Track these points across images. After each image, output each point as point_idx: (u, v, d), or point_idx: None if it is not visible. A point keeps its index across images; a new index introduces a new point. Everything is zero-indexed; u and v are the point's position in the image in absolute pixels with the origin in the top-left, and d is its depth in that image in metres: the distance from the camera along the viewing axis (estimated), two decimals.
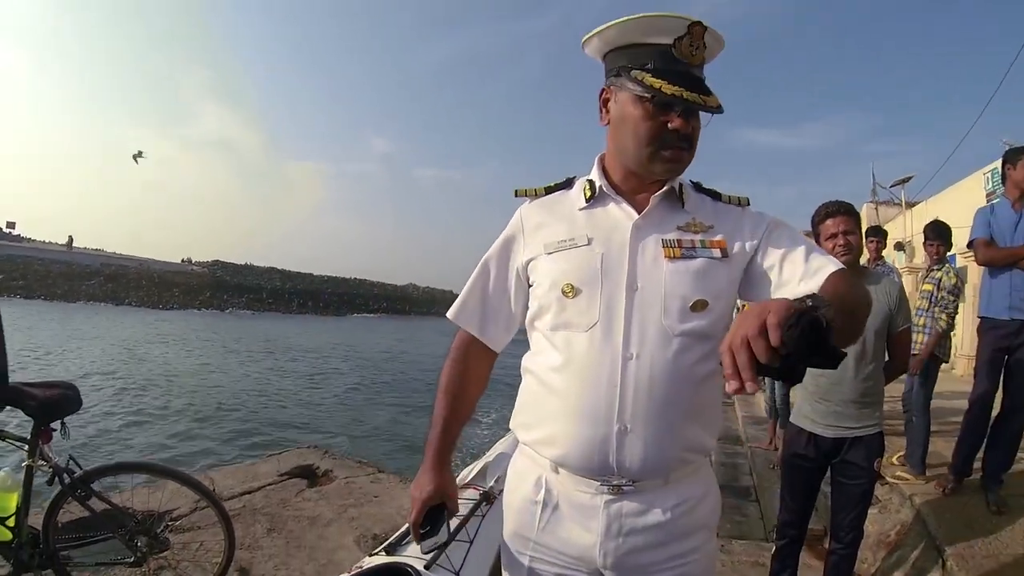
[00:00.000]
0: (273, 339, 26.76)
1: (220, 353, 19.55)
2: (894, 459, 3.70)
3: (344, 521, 3.08)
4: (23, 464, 2.07)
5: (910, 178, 14.76)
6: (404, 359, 21.54)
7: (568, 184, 1.10)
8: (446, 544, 1.26)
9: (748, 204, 1.05)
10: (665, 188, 1.00)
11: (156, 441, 8.15)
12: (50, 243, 59.30)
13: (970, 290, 6.94)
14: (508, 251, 1.10)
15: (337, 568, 2.45)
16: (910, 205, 14.07)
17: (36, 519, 2.15)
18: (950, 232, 3.77)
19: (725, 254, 0.97)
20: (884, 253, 4.28)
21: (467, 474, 2.24)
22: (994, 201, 3.26)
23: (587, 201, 1.04)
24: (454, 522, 1.41)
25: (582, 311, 0.96)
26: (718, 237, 0.98)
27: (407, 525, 1.30)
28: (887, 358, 2.24)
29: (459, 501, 1.23)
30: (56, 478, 2.13)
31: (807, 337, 0.59)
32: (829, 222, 2.13)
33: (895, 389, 3.75)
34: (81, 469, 2.19)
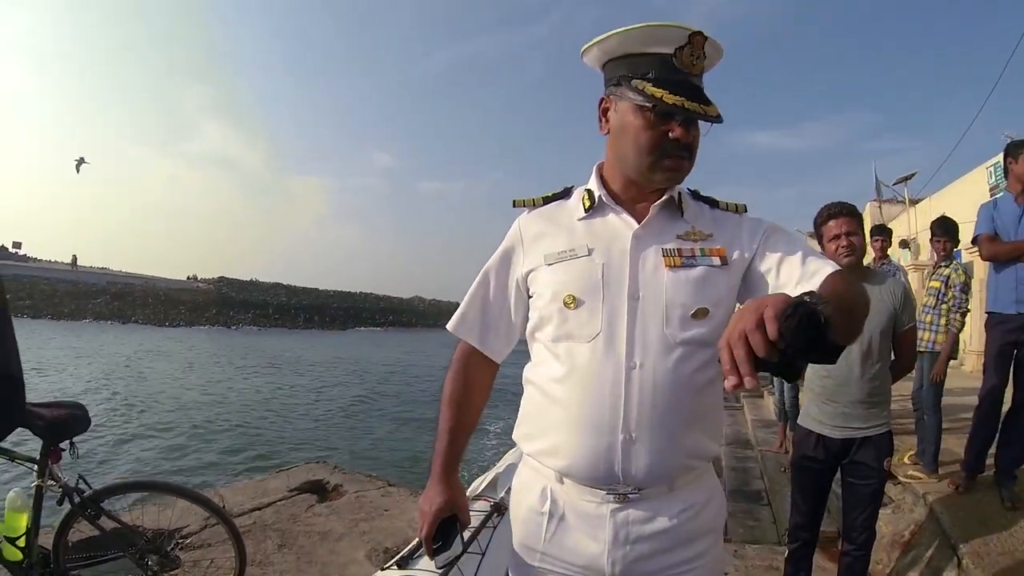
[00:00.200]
0: (279, 354, 26.80)
1: (228, 370, 19.59)
2: (906, 458, 3.66)
3: (355, 535, 3.08)
4: (33, 484, 2.09)
5: (913, 175, 14.75)
6: (410, 372, 21.49)
7: (566, 194, 1.10)
8: (459, 557, 1.26)
9: (746, 211, 1.05)
10: (664, 197, 1.00)
11: (164, 459, 8.16)
12: (55, 262, 59.56)
13: (977, 285, 6.92)
14: (507, 262, 1.10)
15: None
16: (913, 202, 14.05)
17: (46, 539, 2.17)
18: (957, 228, 3.76)
19: (725, 262, 0.97)
20: (889, 251, 4.27)
21: (477, 486, 2.23)
22: (997, 196, 3.26)
23: (586, 211, 1.04)
24: (466, 534, 1.41)
25: (584, 322, 0.96)
26: (717, 245, 0.98)
27: (419, 538, 1.29)
28: (893, 357, 2.24)
29: (470, 513, 1.23)
30: (66, 498, 2.14)
31: (804, 330, 0.59)
32: (832, 223, 2.15)
33: (904, 388, 3.73)
34: (90, 488, 2.21)
